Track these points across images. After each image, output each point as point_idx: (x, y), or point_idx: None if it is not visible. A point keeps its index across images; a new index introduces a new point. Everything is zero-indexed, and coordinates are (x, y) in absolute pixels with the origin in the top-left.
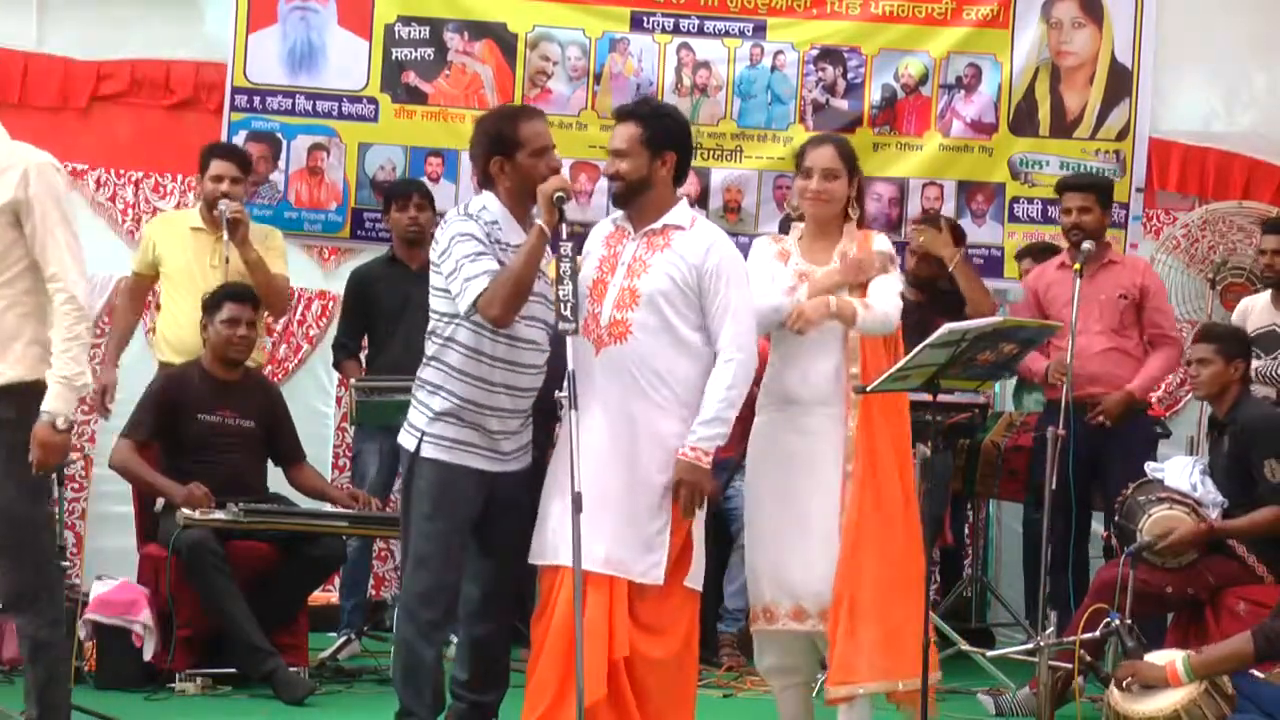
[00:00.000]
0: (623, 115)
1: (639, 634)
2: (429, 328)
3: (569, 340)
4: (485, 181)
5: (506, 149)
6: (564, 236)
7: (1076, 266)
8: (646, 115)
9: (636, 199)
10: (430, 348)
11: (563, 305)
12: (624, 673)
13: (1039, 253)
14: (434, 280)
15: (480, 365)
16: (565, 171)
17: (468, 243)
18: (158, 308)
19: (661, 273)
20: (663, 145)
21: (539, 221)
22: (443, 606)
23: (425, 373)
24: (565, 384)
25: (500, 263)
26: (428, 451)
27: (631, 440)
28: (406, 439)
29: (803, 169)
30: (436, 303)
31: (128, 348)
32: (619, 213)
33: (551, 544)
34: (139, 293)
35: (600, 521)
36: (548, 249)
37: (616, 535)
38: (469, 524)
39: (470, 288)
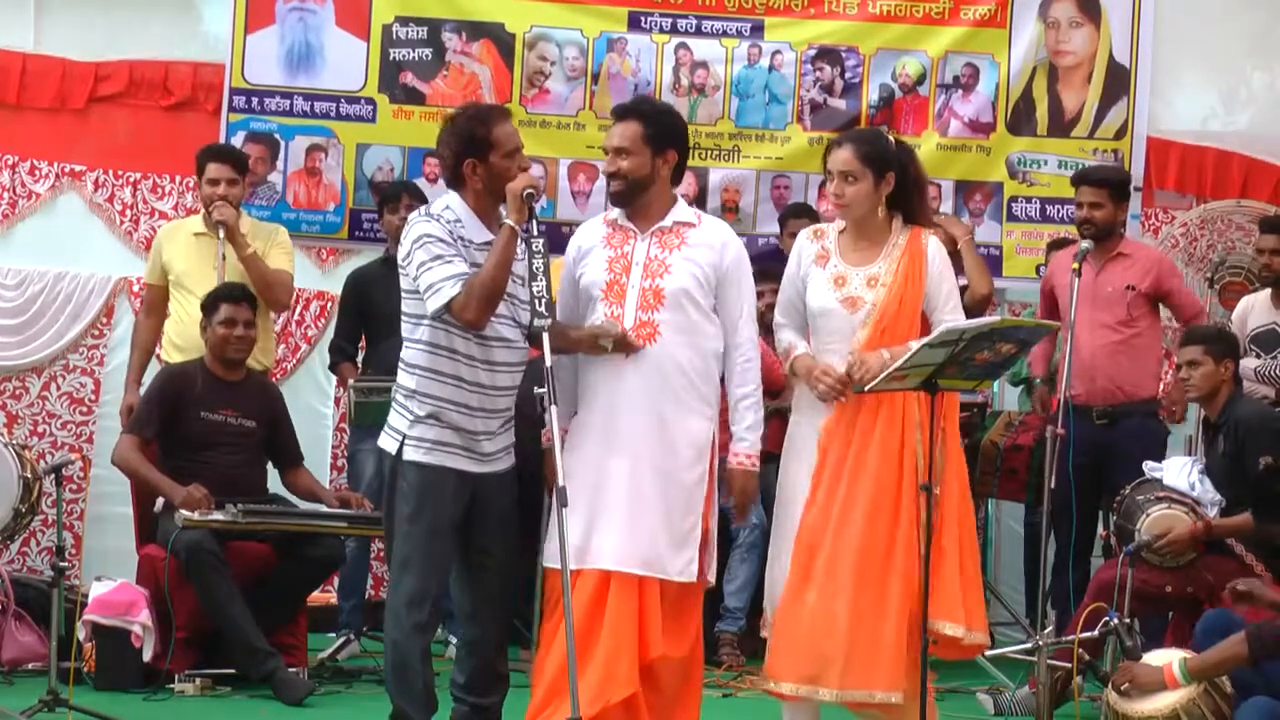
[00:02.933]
0: (624, 113)
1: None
2: (403, 331)
3: (545, 336)
4: (455, 181)
5: (479, 150)
6: (535, 233)
7: (1075, 266)
8: (648, 113)
9: (637, 197)
10: (405, 352)
11: (537, 301)
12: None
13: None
14: (403, 283)
15: (454, 364)
16: (563, 171)
17: (433, 245)
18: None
19: (684, 272)
20: (665, 143)
21: (508, 221)
22: (428, 608)
23: (401, 377)
24: (545, 380)
25: (466, 261)
26: (409, 454)
27: (663, 442)
28: (388, 442)
29: (826, 169)
30: (406, 305)
31: (126, 349)
32: (614, 212)
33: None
34: (156, 305)
35: (636, 523)
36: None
37: (653, 536)
38: (452, 525)
39: (442, 289)
